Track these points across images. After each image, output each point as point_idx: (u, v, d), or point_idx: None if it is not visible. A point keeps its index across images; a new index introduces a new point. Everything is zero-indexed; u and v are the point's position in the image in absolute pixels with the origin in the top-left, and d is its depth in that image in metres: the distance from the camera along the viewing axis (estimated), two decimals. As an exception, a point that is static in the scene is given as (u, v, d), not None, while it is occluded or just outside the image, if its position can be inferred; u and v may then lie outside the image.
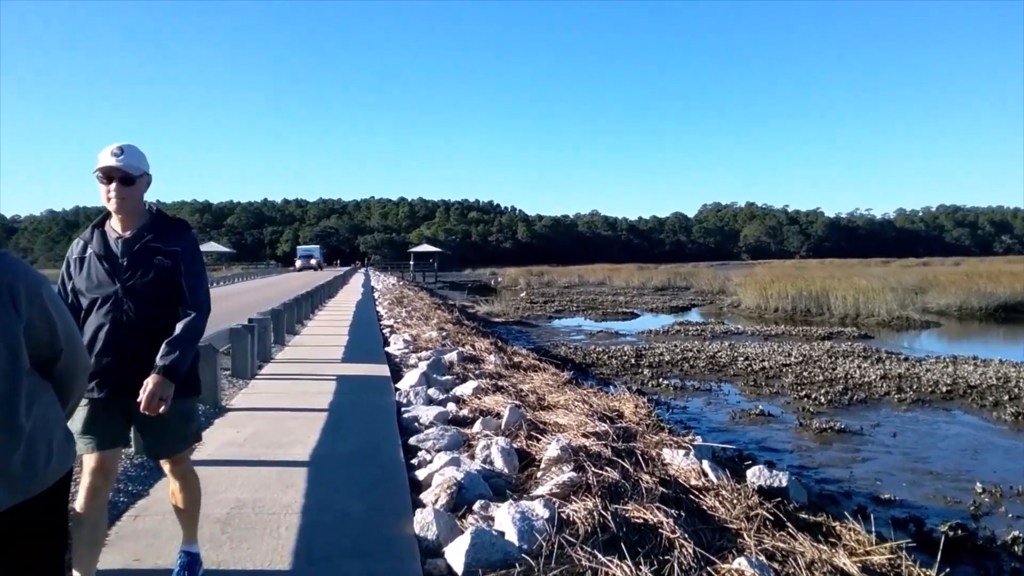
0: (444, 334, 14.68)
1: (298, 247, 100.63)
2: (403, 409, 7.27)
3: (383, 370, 9.97)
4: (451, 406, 7.55)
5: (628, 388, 10.38)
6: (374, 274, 70.43)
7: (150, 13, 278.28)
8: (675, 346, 23.48)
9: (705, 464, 5.45)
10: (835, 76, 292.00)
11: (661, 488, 4.70)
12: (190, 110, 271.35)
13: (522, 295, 56.46)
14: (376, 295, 33.31)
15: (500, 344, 15.55)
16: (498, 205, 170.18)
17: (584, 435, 5.96)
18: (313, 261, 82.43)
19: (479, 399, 7.72)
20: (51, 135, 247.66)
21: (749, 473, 5.78)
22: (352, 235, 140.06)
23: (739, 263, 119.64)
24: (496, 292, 63.50)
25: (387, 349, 12.48)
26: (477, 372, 10.08)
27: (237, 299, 27.24)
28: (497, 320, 34.68)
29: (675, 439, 5.98)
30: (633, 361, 20.46)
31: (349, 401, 7.72)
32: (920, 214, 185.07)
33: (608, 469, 4.90)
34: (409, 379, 8.82)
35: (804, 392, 15.13)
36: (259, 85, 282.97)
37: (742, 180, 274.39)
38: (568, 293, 59.48)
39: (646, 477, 4.81)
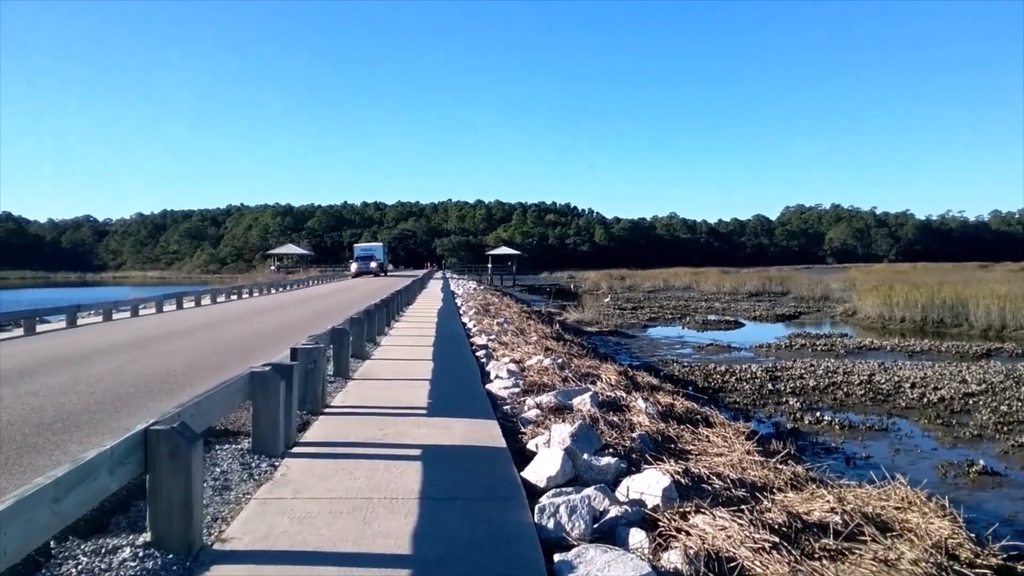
0: (556, 359, 11.09)
1: (355, 245, 75.93)
2: (556, 556, 3.63)
3: (491, 433, 6.36)
4: (637, 539, 3.93)
5: (911, 484, 6.42)
6: (451, 277, 67.56)
7: (239, 17, 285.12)
8: (812, 366, 19.96)
9: None
10: (926, 74, 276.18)
11: None
12: (274, 115, 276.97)
13: (606, 300, 53.36)
14: (458, 301, 30.30)
15: (631, 374, 11.85)
16: (575, 207, 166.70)
17: None
18: (373, 264, 62.42)
19: (685, 521, 4.11)
20: (143, 140, 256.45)
21: None
22: (429, 237, 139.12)
23: (824, 267, 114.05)
24: (578, 297, 60.22)
25: (488, 387, 8.90)
26: (632, 435, 6.49)
27: (297, 309, 24.66)
28: (589, 329, 31.36)
29: None
30: (770, 386, 17.03)
31: (447, 527, 4.07)
32: (1017, 216, 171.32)
33: None
34: (545, 465, 5.15)
35: (1024, 437, 11.90)
36: (342, 90, 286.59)
37: (827, 181, 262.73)
38: (655, 298, 56.33)
39: None
